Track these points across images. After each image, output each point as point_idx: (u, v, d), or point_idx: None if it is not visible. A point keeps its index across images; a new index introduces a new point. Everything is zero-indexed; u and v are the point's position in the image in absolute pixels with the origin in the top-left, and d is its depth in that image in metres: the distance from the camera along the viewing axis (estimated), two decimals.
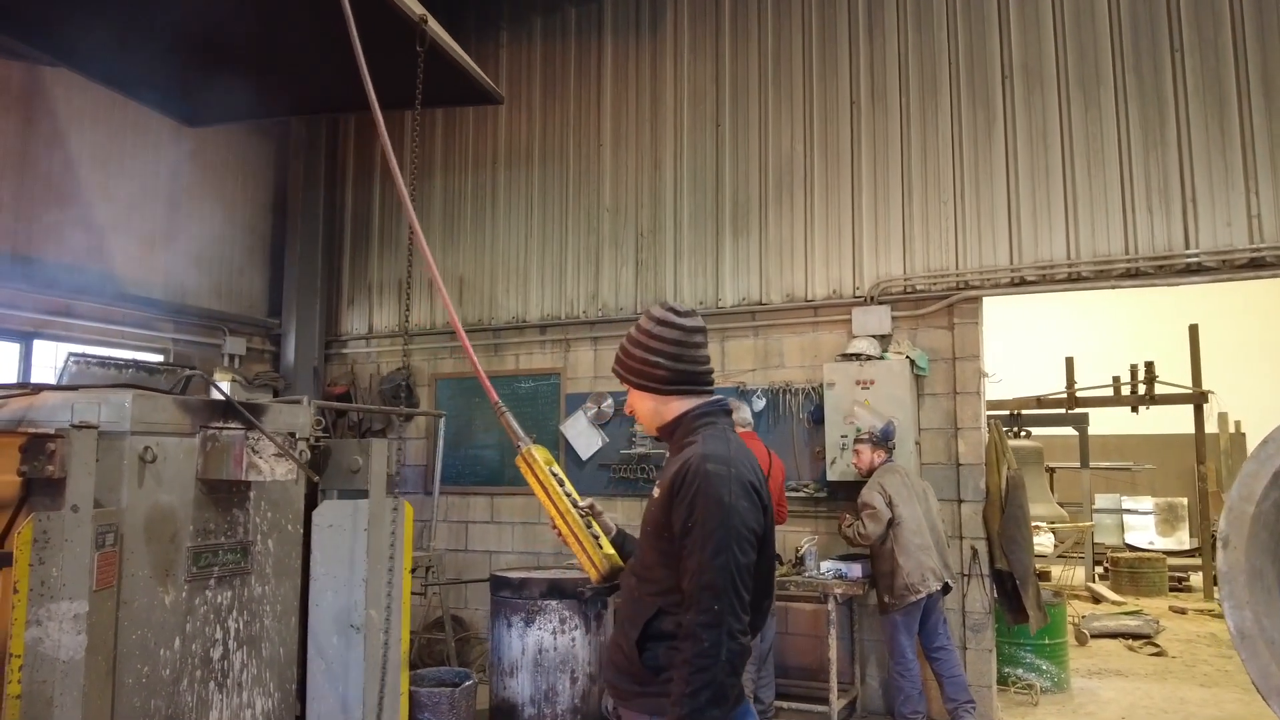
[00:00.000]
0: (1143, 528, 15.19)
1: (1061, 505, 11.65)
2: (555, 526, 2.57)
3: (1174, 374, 10.93)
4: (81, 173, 6.99)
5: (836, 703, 5.70)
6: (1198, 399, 11.11)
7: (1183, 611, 10.57)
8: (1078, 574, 12.11)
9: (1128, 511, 15.28)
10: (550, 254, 7.94)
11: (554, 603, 5.30)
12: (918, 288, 6.56)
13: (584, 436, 7.47)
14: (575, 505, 2.57)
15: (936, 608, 5.72)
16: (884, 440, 5.88)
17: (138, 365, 6.83)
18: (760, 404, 6.88)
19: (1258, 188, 5.75)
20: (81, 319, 6.86)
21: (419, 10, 4.44)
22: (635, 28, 7.77)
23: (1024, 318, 11.49)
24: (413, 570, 4.91)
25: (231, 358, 7.94)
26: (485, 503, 7.86)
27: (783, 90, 7.15)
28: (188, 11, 4.50)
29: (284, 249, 8.65)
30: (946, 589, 5.71)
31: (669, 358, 2.37)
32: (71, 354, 6.38)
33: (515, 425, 2.74)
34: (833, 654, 5.71)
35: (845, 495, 6.46)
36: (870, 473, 5.86)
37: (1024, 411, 10.91)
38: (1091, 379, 11.11)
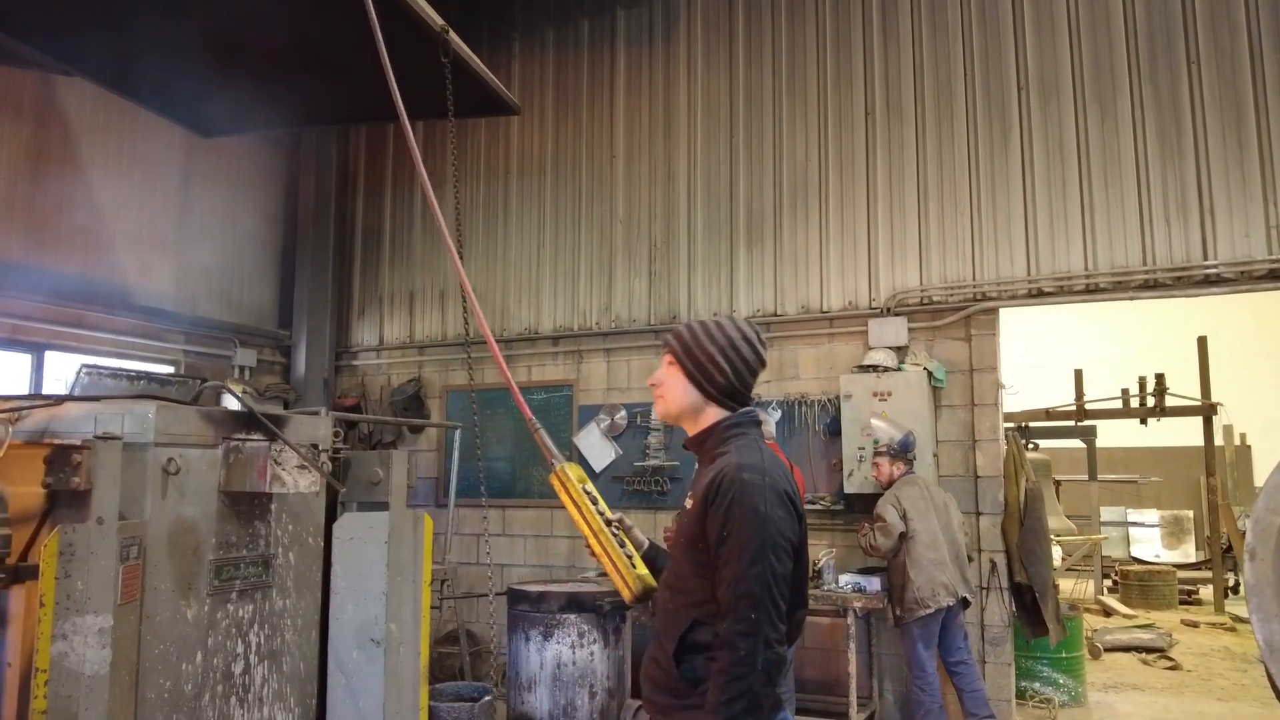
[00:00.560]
0: (1148, 540, 15.14)
1: (1069, 518, 11.61)
2: (589, 544, 2.54)
3: (1180, 386, 10.91)
4: (93, 183, 6.96)
5: (856, 717, 5.65)
6: (1207, 411, 11.08)
7: (1195, 625, 10.51)
8: (1087, 587, 12.05)
9: (1133, 524, 15.23)
10: (563, 265, 7.92)
11: (572, 616, 5.25)
12: (934, 299, 6.54)
13: (597, 448, 7.43)
14: (608, 522, 2.55)
15: (956, 621, 5.66)
16: (903, 452, 5.84)
17: (149, 377, 6.81)
18: (775, 416, 6.84)
19: (1276, 198, 5.73)
20: (93, 330, 6.83)
21: (439, 21, 4.44)
22: (648, 38, 7.78)
23: (1033, 330, 11.48)
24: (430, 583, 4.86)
25: (242, 369, 7.90)
26: (497, 515, 7.80)
27: (797, 100, 7.15)
28: (210, 22, 4.48)
29: (294, 260, 8.63)
30: (965, 603, 5.66)
31: (734, 370, 2.37)
32: (84, 365, 6.35)
33: (549, 443, 2.71)
34: (852, 668, 5.66)
35: (862, 508, 6.42)
36: (889, 484, 5.81)
37: (1033, 424, 10.88)
38: (1099, 391, 11.08)
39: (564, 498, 2.61)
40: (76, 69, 5.08)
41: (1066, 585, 11.70)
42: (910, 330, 6.52)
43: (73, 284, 6.71)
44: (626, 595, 2.51)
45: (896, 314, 6.58)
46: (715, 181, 7.38)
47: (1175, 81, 6.04)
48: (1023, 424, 10.73)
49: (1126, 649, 9.03)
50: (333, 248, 8.60)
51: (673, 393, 2.43)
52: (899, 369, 6.34)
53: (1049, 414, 11.04)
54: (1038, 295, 6.29)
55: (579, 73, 8.07)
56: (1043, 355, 12.60)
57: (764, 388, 6.98)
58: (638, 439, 7.32)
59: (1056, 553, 12.41)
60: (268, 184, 8.65)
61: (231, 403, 3.80)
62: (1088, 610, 11.11)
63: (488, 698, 5.17)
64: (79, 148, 6.87)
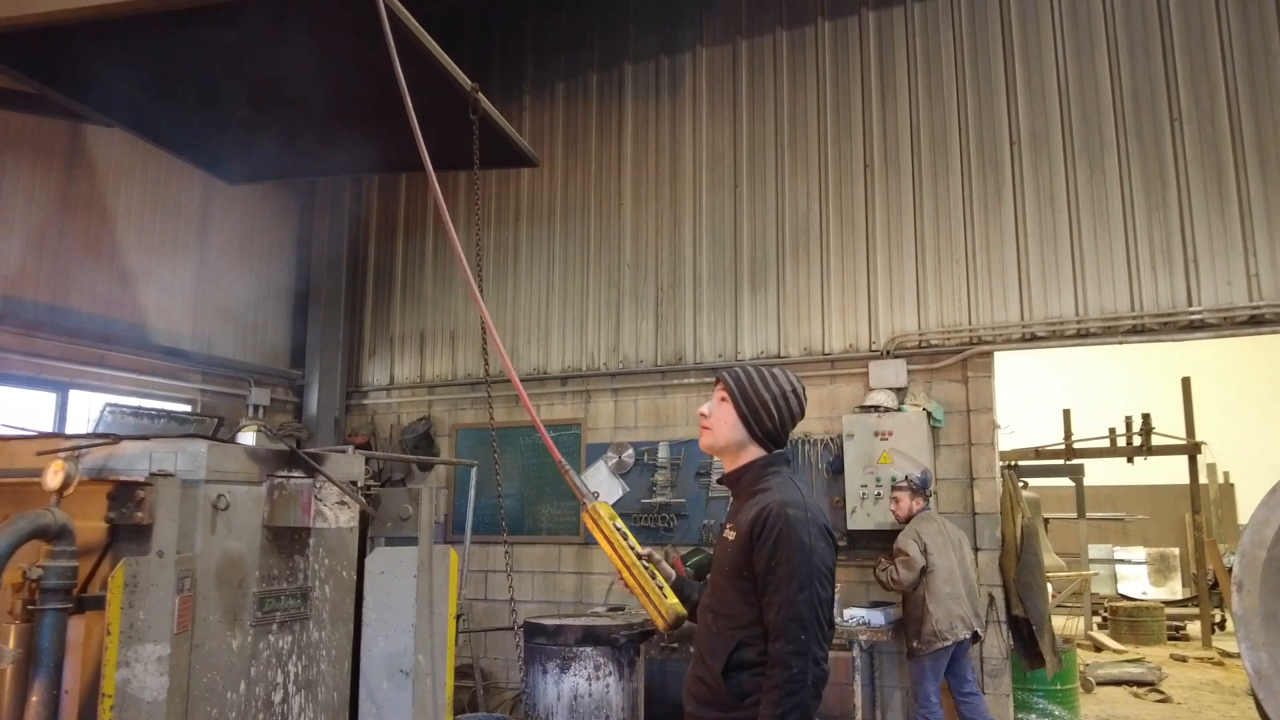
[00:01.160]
0: (1135, 577, 15.31)
1: (1058, 555, 11.80)
2: (622, 578, 2.72)
3: (1165, 425, 11.18)
4: (117, 227, 7.18)
5: None
6: (1191, 450, 11.35)
7: (1184, 659, 10.69)
8: (1078, 624, 12.22)
9: (1120, 561, 15.42)
10: (571, 308, 8.15)
11: (589, 649, 5.40)
12: (932, 342, 6.80)
13: (605, 486, 7.61)
14: (639, 556, 2.73)
15: (966, 654, 5.84)
16: (922, 488, 6.04)
17: (169, 415, 6.96)
18: None
19: (1255, 248, 6.04)
20: (115, 369, 7.00)
21: (470, 82, 4.70)
22: (655, 91, 8.09)
23: (1021, 372, 11.74)
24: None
25: (256, 408, 8.06)
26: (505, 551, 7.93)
27: (799, 152, 7.45)
28: (254, 79, 4.73)
29: (307, 302, 8.83)
30: (976, 637, 5.84)
31: (780, 417, 2.58)
32: (107, 404, 6.51)
33: (580, 483, 2.88)
34: (858, 699, 5.82)
35: (866, 544, 6.62)
36: (908, 519, 5.99)
37: (1022, 462, 11.09)
38: (1086, 430, 11.34)
39: (597, 535, 2.78)
40: (121, 123, 5.29)
41: (1058, 622, 11.84)
42: (909, 372, 6.77)
43: (96, 325, 6.89)
44: (660, 623, 2.70)
45: (896, 356, 6.84)
46: (720, 228, 7.65)
47: (1159, 137, 6.37)
48: (1013, 463, 10.94)
49: (1118, 683, 9.20)
50: (345, 289, 8.82)
51: (721, 427, 2.63)
52: (899, 409, 6.58)
53: (1038, 453, 11.28)
54: (1031, 339, 6.56)
55: (588, 124, 8.37)
56: (1031, 395, 12.86)
57: None
58: (644, 476, 7.51)
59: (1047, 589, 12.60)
60: (282, 227, 8.88)
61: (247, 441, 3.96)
62: (1079, 645, 11.26)
63: None
64: (104, 193, 7.09)
